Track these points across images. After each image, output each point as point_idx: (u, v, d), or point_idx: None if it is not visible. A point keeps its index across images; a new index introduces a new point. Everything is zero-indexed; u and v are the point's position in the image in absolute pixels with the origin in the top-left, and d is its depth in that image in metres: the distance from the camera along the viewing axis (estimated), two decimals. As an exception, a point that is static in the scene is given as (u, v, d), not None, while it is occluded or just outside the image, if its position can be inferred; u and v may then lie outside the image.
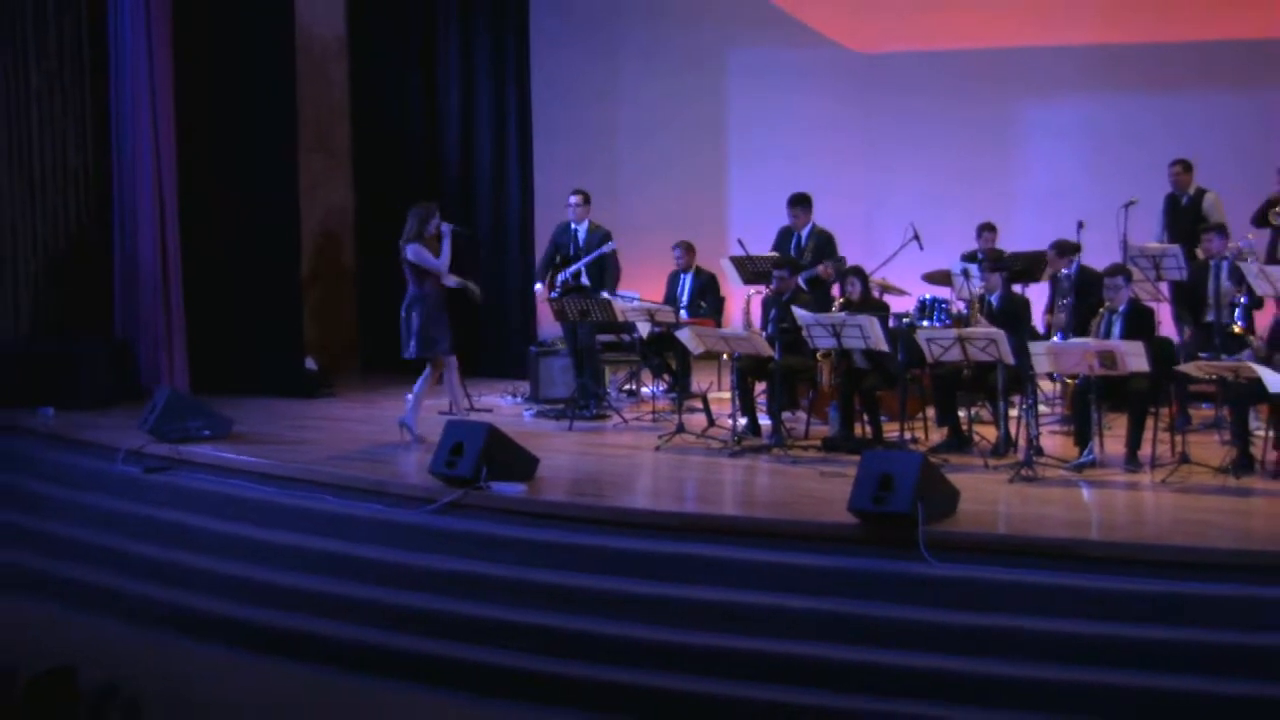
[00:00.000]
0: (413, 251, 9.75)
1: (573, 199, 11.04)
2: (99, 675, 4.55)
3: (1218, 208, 10.63)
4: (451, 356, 9.92)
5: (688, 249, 11.08)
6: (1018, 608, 6.91)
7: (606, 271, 11.02)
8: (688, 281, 11.04)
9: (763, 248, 11.06)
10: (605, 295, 10.68)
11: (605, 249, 10.91)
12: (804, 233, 10.91)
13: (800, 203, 10.94)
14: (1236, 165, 11.05)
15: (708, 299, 11.01)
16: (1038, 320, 10.06)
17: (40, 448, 10.33)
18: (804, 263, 10.72)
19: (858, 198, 12.58)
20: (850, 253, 10.84)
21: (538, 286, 11.32)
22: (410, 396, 9.89)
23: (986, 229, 11.18)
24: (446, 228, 9.86)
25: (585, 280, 10.90)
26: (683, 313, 10.71)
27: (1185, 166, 10.79)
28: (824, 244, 10.85)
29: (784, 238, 11.04)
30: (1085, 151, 12.36)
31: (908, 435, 9.49)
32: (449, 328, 9.85)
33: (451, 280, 9.88)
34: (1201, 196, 10.72)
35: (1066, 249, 10.10)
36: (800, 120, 13.06)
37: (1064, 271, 10.11)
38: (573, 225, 11.04)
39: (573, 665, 7.21)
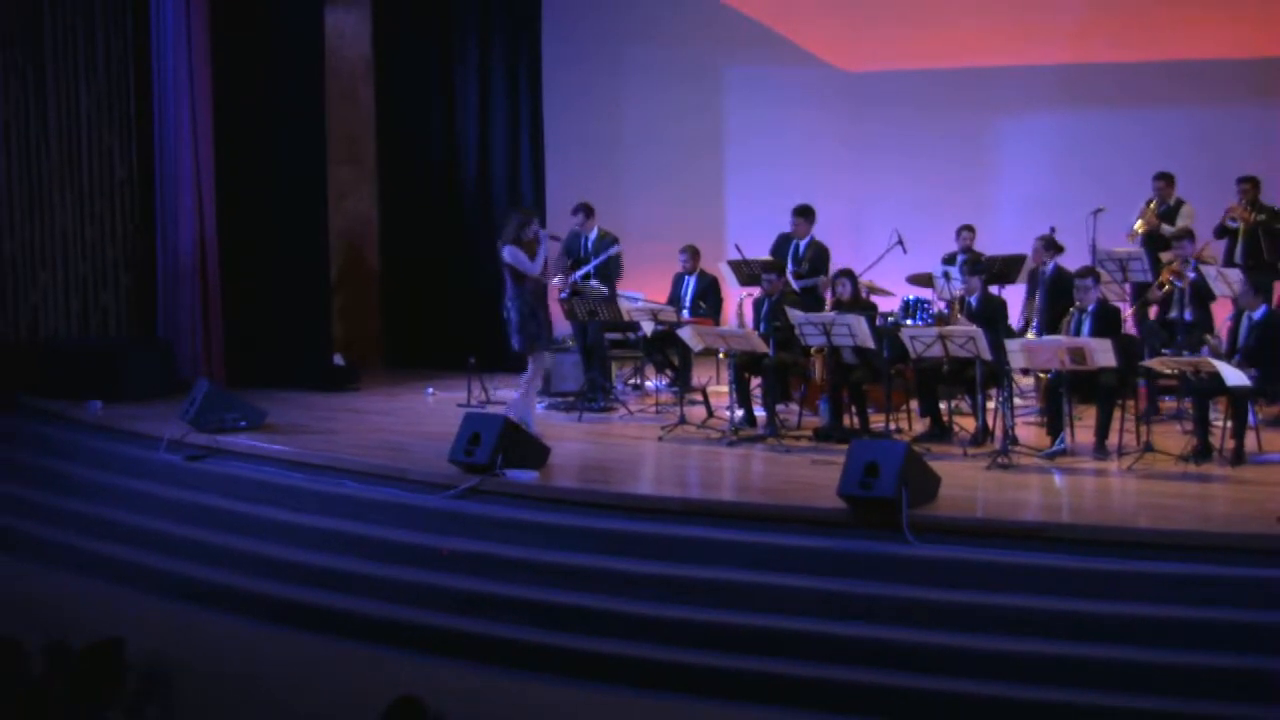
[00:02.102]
0: (509, 253, 9.50)
1: (576, 216, 10.94)
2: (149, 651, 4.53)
3: (1188, 217, 10.59)
4: (545, 353, 9.69)
5: (693, 253, 11.08)
6: (994, 585, 6.92)
7: (610, 272, 10.96)
8: (692, 283, 11.04)
9: (758, 251, 11.05)
10: (623, 296, 10.67)
11: (611, 251, 10.89)
12: (802, 243, 10.90)
13: (804, 213, 10.90)
14: (1197, 176, 11.00)
15: (709, 300, 11.01)
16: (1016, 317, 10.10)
17: (89, 437, 10.35)
18: (802, 271, 10.72)
19: (845, 206, 12.54)
20: (839, 256, 10.82)
21: (554, 281, 11.20)
22: (516, 394, 9.79)
23: (965, 229, 11.16)
24: (545, 234, 9.69)
25: (594, 284, 10.88)
26: (686, 312, 10.71)
27: (1168, 180, 10.75)
28: (819, 256, 10.83)
29: (783, 244, 11.03)
30: (1057, 162, 12.33)
31: (892, 426, 9.47)
32: (546, 325, 9.61)
33: (551, 278, 9.63)
34: (1179, 207, 10.69)
35: (1052, 244, 10.13)
36: (792, 133, 13.04)
37: (1044, 270, 10.12)
38: (580, 233, 11.01)
39: (580, 639, 7.21)
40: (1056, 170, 12.26)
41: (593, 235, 10.95)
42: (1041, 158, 12.44)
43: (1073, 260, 10.14)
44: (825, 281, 10.58)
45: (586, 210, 10.95)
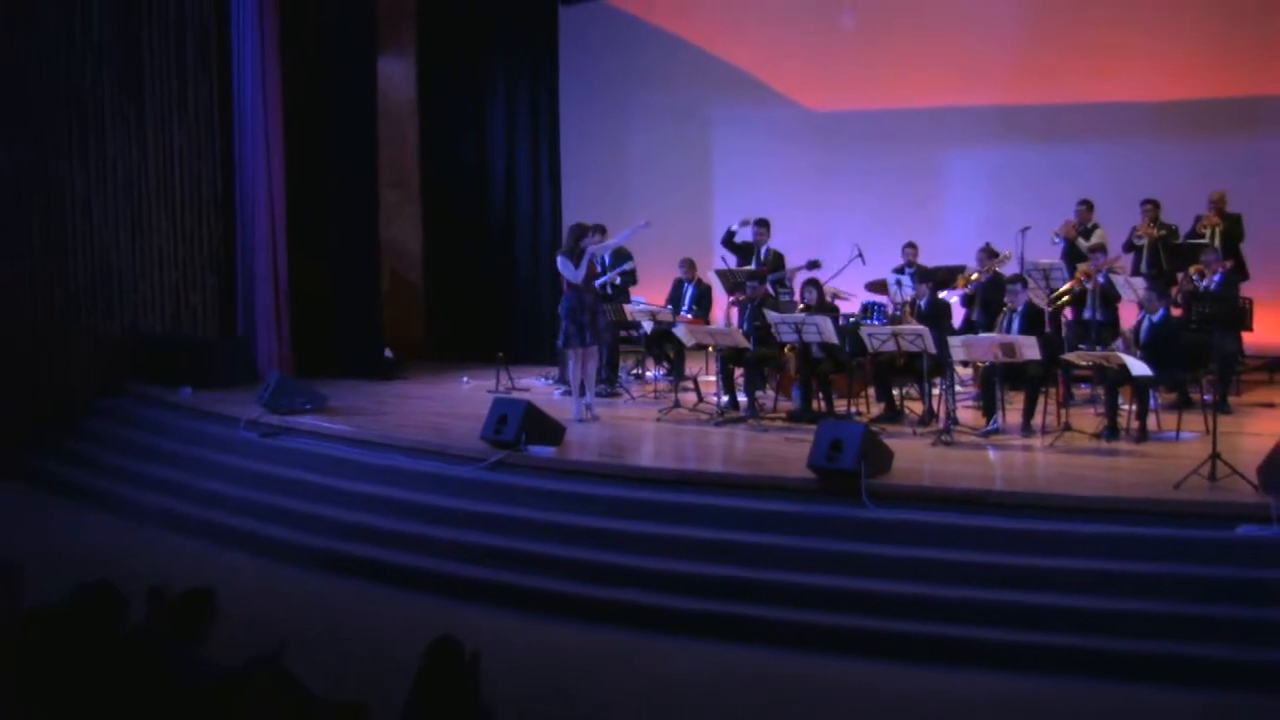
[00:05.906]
0: (560, 262, 9.38)
1: (594, 236, 10.85)
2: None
3: (1100, 237, 10.59)
4: (589, 349, 9.39)
5: (691, 265, 11.08)
6: (939, 543, 6.95)
7: (626, 280, 11.00)
8: (690, 290, 11.06)
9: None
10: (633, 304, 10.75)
11: (625, 266, 10.90)
12: (763, 250, 10.98)
13: (763, 224, 10.97)
14: (1108, 198, 10.96)
15: (702, 304, 11.04)
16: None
17: (180, 418, 10.39)
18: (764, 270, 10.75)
19: (813, 223, 12.52)
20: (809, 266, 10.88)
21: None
22: (573, 389, 9.59)
23: (908, 246, 11.08)
24: (592, 247, 9.47)
25: (609, 291, 10.88)
26: (687, 314, 10.75)
27: (1089, 206, 10.70)
28: (777, 261, 10.89)
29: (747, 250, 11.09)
30: (994, 188, 12.30)
31: (853, 409, 9.49)
32: (585, 327, 9.35)
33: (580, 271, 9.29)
34: (1094, 229, 10.68)
35: (994, 253, 10.12)
36: (768, 162, 13.03)
37: (983, 278, 10.10)
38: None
39: (592, 587, 7.25)
40: (994, 194, 12.24)
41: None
42: (981, 184, 12.42)
43: (1004, 270, 10.15)
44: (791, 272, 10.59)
45: (599, 230, 10.89)
